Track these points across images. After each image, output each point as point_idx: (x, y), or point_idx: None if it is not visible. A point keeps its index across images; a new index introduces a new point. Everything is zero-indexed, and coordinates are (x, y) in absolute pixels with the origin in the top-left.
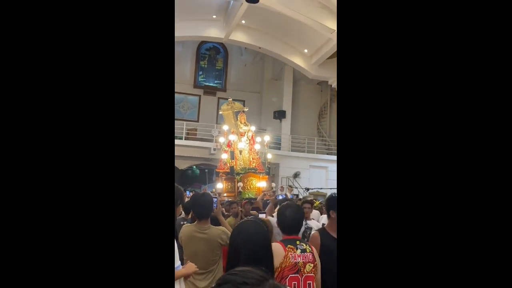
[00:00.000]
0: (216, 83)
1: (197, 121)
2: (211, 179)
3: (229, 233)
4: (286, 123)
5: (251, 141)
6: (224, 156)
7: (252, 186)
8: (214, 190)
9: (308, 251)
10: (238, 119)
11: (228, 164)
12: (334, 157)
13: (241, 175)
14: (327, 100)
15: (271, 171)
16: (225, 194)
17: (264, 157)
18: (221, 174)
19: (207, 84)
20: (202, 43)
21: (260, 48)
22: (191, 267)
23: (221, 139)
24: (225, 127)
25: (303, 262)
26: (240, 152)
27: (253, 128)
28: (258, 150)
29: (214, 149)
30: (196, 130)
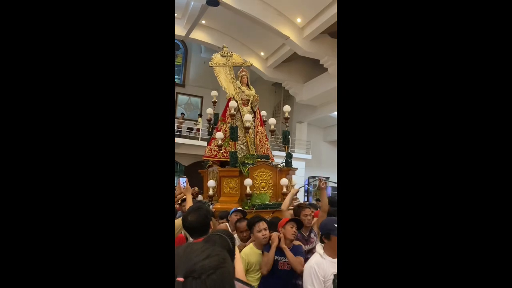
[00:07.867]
0: (175, 78)
1: None
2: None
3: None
4: None
5: (258, 114)
6: (219, 136)
7: (265, 186)
8: (177, 185)
9: None
10: (239, 78)
11: (226, 148)
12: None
13: (248, 166)
14: (280, 101)
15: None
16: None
17: (282, 139)
18: (210, 164)
19: None
20: None
21: (222, 46)
22: None
23: (209, 110)
24: (214, 92)
25: None
26: (247, 129)
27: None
28: (269, 129)
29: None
30: None
